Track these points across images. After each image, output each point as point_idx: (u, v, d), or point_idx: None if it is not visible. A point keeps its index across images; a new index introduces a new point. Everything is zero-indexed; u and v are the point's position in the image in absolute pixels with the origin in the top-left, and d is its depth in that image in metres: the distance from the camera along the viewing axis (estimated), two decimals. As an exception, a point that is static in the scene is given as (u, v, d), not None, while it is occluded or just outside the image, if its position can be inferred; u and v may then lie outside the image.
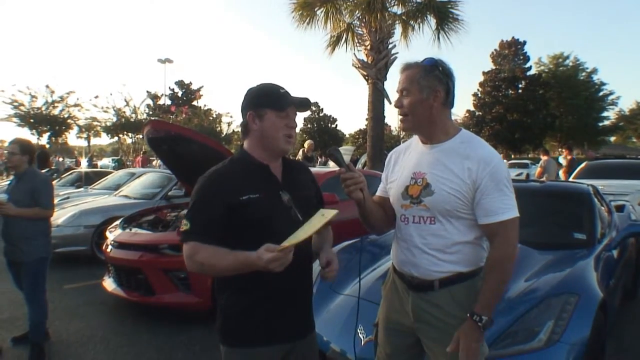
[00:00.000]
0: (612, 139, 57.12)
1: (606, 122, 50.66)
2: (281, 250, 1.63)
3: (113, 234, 5.92)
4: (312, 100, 2.15)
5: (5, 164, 4.90)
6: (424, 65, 2.02)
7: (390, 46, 13.86)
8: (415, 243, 2.06)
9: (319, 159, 17.62)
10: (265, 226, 1.86)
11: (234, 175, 1.92)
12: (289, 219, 1.92)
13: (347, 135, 69.02)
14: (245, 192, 1.86)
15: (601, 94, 49.05)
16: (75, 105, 25.62)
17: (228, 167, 1.97)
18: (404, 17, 14.13)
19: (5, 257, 4.35)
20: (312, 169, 7.99)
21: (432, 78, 1.99)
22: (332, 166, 10.39)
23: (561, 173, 11.72)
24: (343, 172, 1.97)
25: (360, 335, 2.81)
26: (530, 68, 49.86)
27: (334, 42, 14.58)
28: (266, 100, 1.94)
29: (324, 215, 1.78)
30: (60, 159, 30.59)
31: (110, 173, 13.37)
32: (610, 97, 49.08)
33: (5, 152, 4.22)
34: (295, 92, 2.02)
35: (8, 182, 4.38)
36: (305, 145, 12.98)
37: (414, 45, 14.82)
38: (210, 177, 1.92)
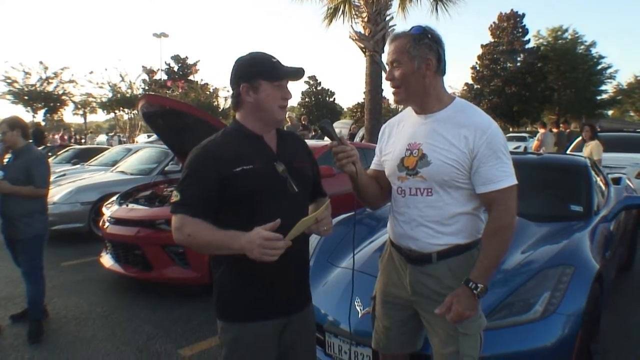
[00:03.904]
0: (610, 112, 56.97)
1: (604, 96, 50.49)
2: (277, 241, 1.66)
3: (110, 210, 5.91)
4: (309, 74, 2.10)
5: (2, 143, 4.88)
6: (412, 34, 1.97)
7: (387, 18, 13.69)
8: (412, 216, 2.04)
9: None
10: (260, 198, 1.84)
11: (227, 147, 1.88)
12: (284, 190, 1.90)
13: (345, 109, 68.38)
14: (238, 164, 1.82)
15: (599, 67, 48.73)
16: (70, 81, 25.47)
17: (221, 138, 1.92)
18: (401, -12, 13.96)
19: (3, 235, 4.36)
20: (308, 142, 7.96)
21: (423, 46, 1.94)
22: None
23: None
24: (335, 145, 1.95)
25: (358, 308, 2.81)
26: (529, 41, 49.46)
27: (331, 14, 14.45)
28: (260, 71, 1.88)
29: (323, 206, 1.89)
30: (56, 136, 30.40)
31: (106, 149, 13.29)
32: (609, 71, 48.84)
33: None
34: (292, 64, 1.95)
35: (7, 160, 4.37)
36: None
37: (412, 17, 14.77)
38: (202, 148, 1.88)
